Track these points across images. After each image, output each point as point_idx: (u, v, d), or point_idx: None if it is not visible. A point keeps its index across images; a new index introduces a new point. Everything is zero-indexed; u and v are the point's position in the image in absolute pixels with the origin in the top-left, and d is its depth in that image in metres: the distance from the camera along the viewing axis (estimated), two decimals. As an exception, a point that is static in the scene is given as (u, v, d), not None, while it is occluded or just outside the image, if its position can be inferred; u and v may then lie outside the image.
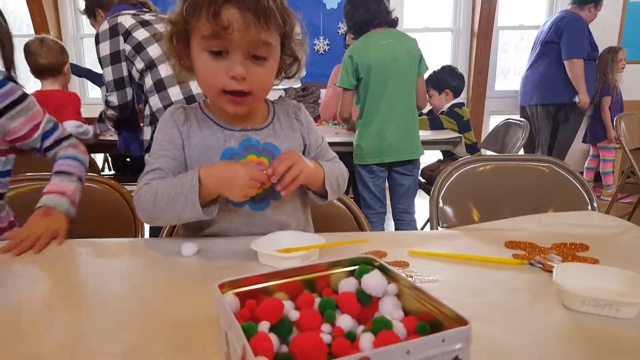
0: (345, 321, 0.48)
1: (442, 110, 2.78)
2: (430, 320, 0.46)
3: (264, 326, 0.45)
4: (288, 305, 0.49)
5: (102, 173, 3.31)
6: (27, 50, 2.20)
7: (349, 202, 1.19)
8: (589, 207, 1.27)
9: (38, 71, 2.19)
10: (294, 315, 0.47)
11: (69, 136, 1.11)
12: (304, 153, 0.99)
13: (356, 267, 0.55)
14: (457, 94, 2.81)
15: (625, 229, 0.88)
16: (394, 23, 2.21)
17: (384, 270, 0.53)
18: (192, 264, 0.77)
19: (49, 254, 0.84)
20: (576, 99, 3.34)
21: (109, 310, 0.61)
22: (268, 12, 0.77)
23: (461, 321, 0.42)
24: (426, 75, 2.32)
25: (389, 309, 0.48)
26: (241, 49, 0.79)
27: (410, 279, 0.68)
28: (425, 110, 2.84)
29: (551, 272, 0.68)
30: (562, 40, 3.30)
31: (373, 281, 0.50)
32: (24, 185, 1.25)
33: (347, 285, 0.52)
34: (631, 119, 2.85)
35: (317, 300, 0.51)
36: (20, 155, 1.11)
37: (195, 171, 0.81)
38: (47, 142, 1.07)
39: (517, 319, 0.57)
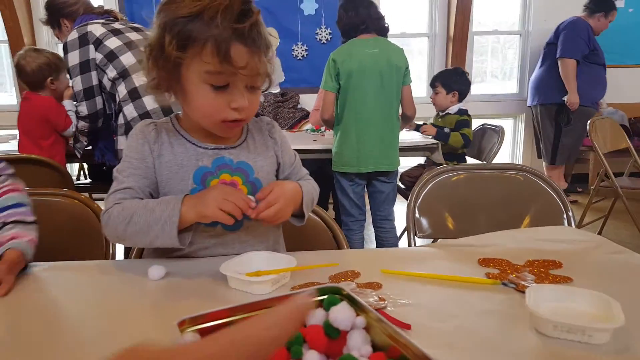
0: (312, 358, 0.46)
1: (447, 111, 2.75)
2: (398, 356, 0.44)
3: (225, 368, 0.43)
4: (252, 342, 0.47)
5: (77, 182, 3.23)
6: (20, 57, 2.20)
7: (324, 215, 1.18)
8: (564, 216, 1.28)
9: (23, 81, 2.21)
10: (258, 354, 0.45)
11: (12, 174, 1.02)
12: (277, 171, 0.97)
13: (325, 296, 0.53)
14: (462, 98, 2.82)
15: (597, 244, 0.88)
16: (383, 30, 2.19)
17: (352, 300, 0.52)
18: (160, 288, 0.74)
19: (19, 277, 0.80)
20: (565, 99, 3.42)
21: (70, 335, 0.59)
22: (268, 47, 0.80)
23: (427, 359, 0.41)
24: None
25: (357, 344, 0.47)
26: (243, 82, 0.80)
27: (383, 302, 0.66)
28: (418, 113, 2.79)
29: (524, 292, 0.67)
30: (558, 41, 3.45)
31: (341, 314, 0.48)
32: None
33: (315, 317, 0.50)
34: (603, 122, 2.90)
35: (284, 334, 0.49)
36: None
37: (178, 201, 0.79)
38: None
39: (490, 346, 0.56)
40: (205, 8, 0.75)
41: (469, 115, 2.76)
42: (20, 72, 2.16)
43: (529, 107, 3.88)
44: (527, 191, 1.36)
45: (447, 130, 2.67)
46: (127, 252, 1.22)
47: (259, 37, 0.78)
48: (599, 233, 3.11)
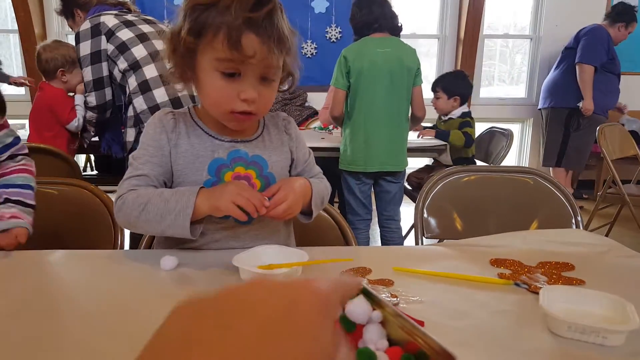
0: (327, 350, 0.46)
1: (450, 116, 2.74)
2: (416, 351, 0.44)
3: None
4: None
5: (84, 173, 3.24)
6: (41, 47, 2.26)
7: (333, 212, 1.18)
8: (573, 220, 1.28)
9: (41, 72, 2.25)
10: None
11: (26, 155, 1.06)
12: (290, 167, 0.97)
13: (340, 290, 0.53)
14: (463, 102, 2.79)
15: (609, 248, 0.88)
16: (396, 30, 2.18)
17: (368, 295, 0.51)
18: (172, 278, 0.75)
19: (25, 265, 0.81)
20: (580, 104, 3.42)
21: (83, 325, 0.59)
22: (284, 40, 0.79)
23: (447, 356, 0.41)
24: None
25: (373, 338, 0.47)
26: (255, 72, 0.79)
27: (395, 299, 0.66)
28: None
29: (537, 293, 0.67)
30: (578, 46, 3.43)
31: (357, 308, 0.48)
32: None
33: (330, 310, 0.50)
34: (612, 129, 2.89)
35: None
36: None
37: (193, 193, 0.79)
38: (4, 156, 1.01)
39: (503, 344, 0.55)
40: None
41: (471, 118, 2.74)
42: (38, 59, 2.20)
43: (539, 109, 3.86)
44: (536, 195, 1.36)
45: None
46: (134, 243, 1.23)
47: (272, 28, 0.77)
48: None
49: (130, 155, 0.89)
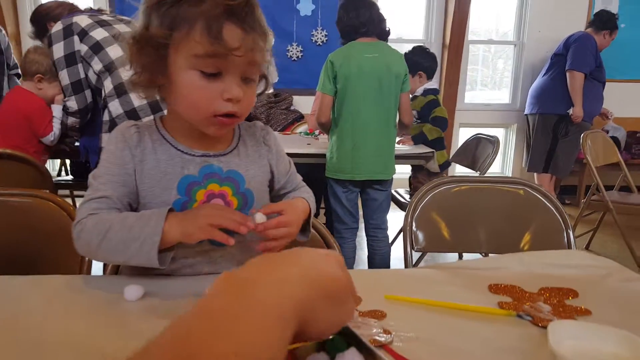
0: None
1: (415, 94, 2.71)
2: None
3: None
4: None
5: (58, 178, 3.11)
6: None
7: (318, 226, 1.11)
8: (564, 234, 1.24)
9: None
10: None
11: None
12: (272, 180, 0.90)
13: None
14: (430, 76, 2.77)
15: (610, 270, 0.83)
16: (384, 34, 2.12)
17: (359, 343, 0.45)
18: (135, 310, 0.66)
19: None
20: (570, 111, 3.43)
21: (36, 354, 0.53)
22: (266, 33, 0.73)
23: None
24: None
25: (368, 398, 0.40)
26: (237, 70, 0.71)
27: (389, 336, 0.60)
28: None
29: (541, 326, 0.62)
30: (568, 53, 3.44)
31: (349, 362, 0.42)
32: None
33: (317, 363, 0.43)
34: (596, 136, 2.89)
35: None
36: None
37: (161, 217, 0.70)
38: None
39: (510, 391, 0.50)
40: None
41: (435, 95, 2.72)
42: (24, 57, 2.16)
43: (526, 115, 3.86)
44: (527, 206, 1.32)
45: (417, 122, 2.66)
46: (104, 267, 1.14)
47: (253, 18, 0.70)
48: (587, 245, 3.11)
49: (90, 175, 0.79)
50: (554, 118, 3.56)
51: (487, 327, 0.63)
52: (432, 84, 2.80)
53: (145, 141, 0.79)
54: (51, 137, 2.06)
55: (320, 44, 4.15)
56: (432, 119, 2.63)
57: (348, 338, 0.46)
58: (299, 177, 0.96)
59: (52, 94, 2.13)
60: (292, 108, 4.08)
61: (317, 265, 0.42)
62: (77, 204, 1.13)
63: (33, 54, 2.12)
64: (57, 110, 2.08)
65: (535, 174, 3.74)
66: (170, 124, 0.82)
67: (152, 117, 1.66)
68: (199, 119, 0.75)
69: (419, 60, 2.72)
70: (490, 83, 4.93)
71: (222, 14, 0.68)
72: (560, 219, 1.26)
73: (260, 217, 0.73)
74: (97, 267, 1.21)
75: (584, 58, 3.39)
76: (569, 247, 1.15)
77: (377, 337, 0.58)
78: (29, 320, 0.65)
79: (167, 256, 0.73)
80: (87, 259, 1.03)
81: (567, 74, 3.43)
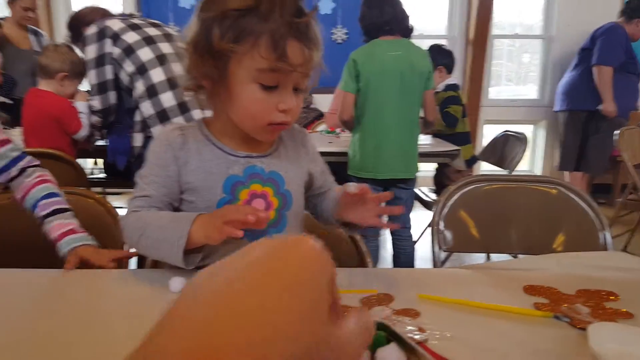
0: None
1: (437, 90, 2.69)
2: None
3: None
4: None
5: (91, 176, 3.20)
6: (42, 50, 2.19)
7: (347, 226, 1.12)
8: (600, 235, 1.21)
9: (38, 69, 2.14)
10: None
11: (37, 165, 1.03)
12: (310, 182, 0.92)
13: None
14: (449, 71, 2.78)
15: (652, 272, 0.81)
16: (408, 31, 2.10)
17: (398, 339, 0.45)
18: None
19: (27, 286, 0.76)
20: (600, 107, 3.32)
21: (83, 348, 0.57)
22: (320, 46, 0.76)
23: None
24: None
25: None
26: (292, 82, 0.74)
27: (423, 334, 0.60)
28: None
29: (579, 328, 0.61)
30: (594, 47, 3.32)
31: (390, 357, 0.42)
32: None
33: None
34: (632, 133, 2.79)
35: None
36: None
37: (189, 221, 0.73)
38: (13, 172, 0.98)
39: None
40: (261, 1, 0.70)
41: (456, 91, 2.69)
42: (45, 54, 2.13)
43: (556, 112, 3.78)
44: (560, 206, 1.29)
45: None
46: (141, 259, 1.18)
47: (313, 35, 0.74)
48: (625, 247, 3.00)
49: (137, 173, 0.84)
50: (583, 114, 3.46)
51: (523, 328, 0.62)
52: (453, 79, 2.79)
53: (190, 143, 0.82)
54: (83, 131, 2.09)
55: (341, 42, 4.13)
56: (443, 112, 2.62)
57: (388, 334, 0.46)
58: (331, 179, 0.98)
59: (71, 91, 2.16)
60: (312, 106, 4.08)
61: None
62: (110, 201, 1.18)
63: (54, 52, 2.12)
64: (81, 106, 2.11)
65: (566, 172, 3.65)
66: (214, 126, 0.84)
67: (181, 117, 1.70)
68: (253, 128, 0.78)
69: (436, 57, 2.69)
70: (516, 78, 4.83)
71: (288, 32, 0.70)
72: (596, 219, 1.23)
73: (353, 187, 0.77)
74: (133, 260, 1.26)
75: (612, 51, 3.28)
76: (605, 248, 1.12)
77: (413, 335, 0.59)
78: (81, 311, 0.68)
79: (195, 257, 0.75)
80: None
81: (594, 69, 3.31)
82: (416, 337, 0.59)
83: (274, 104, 0.74)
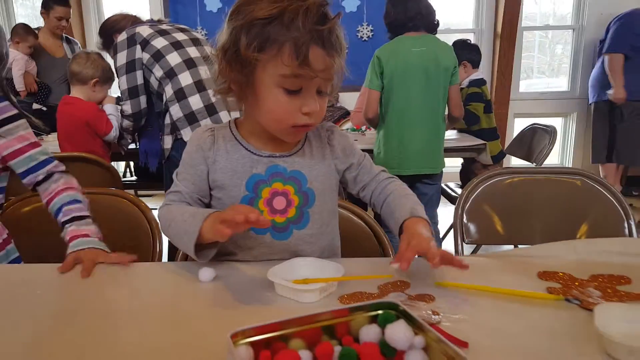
0: (367, 378, 0.44)
1: (461, 86, 2.69)
2: (461, 382, 0.42)
3: (279, 384, 0.41)
4: (305, 356, 0.45)
5: (123, 179, 3.33)
6: (73, 57, 2.26)
7: (369, 220, 1.15)
8: (625, 224, 1.20)
9: (69, 76, 2.24)
10: (312, 370, 0.43)
11: (64, 171, 1.06)
12: (346, 177, 0.95)
13: (379, 311, 0.51)
14: (475, 65, 2.76)
15: (669, 258, 0.81)
16: (433, 27, 2.11)
17: (408, 317, 0.49)
18: (209, 291, 0.75)
19: (61, 275, 0.83)
20: (609, 93, 3.32)
21: (121, 335, 0.62)
22: (344, 50, 0.79)
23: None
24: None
25: (416, 365, 0.44)
26: (315, 86, 0.78)
27: (437, 316, 0.63)
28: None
29: (590, 310, 0.63)
30: (607, 36, 3.38)
31: (398, 333, 0.46)
32: (20, 204, 1.22)
33: (369, 334, 0.48)
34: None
35: (337, 349, 0.47)
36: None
37: (203, 217, 0.77)
38: (40, 175, 1.02)
39: (556, 369, 0.52)
40: (285, 10, 0.73)
41: (479, 87, 2.67)
42: (77, 62, 2.20)
43: (589, 104, 3.77)
44: (584, 197, 1.29)
45: None
46: (172, 254, 1.25)
47: (336, 41, 0.77)
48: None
49: (176, 170, 0.91)
50: (607, 104, 3.45)
51: (535, 311, 0.65)
52: (479, 74, 2.78)
53: (219, 143, 0.88)
54: (114, 132, 2.17)
55: (366, 39, 4.15)
56: (464, 109, 2.61)
57: (398, 313, 0.50)
58: (379, 168, 0.98)
59: (102, 97, 2.27)
60: (338, 105, 4.11)
61: None
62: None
63: (86, 60, 2.21)
64: (110, 108, 2.21)
65: (600, 165, 3.59)
66: (243, 127, 0.90)
67: (208, 119, 1.77)
68: (279, 130, 0.83)
69: (460, 52, 2.68)
70: (548, 70, 4.73)
71: (310, 39, 0.73)
72: (621, 209, 1.23)
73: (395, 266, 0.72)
74: (165, 254, 1.33)
75: (620, 37, 3.30)
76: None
77: (425, 317, 0.62)
78: (116, 301, 0.74)
79: (209, 252, 0.80)
80: (157, 248, 1.14)
81: (605, 58, 3.34)
82: (430, 319, 0.62)
83: (298, 107, 0.78)
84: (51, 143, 2.48)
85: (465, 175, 2.79)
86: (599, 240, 0.91)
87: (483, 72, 4.10)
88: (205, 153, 0.87)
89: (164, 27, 1.89)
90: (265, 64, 0.76)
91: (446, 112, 2.19)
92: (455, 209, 1.32)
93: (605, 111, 3.48)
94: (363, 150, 2.31)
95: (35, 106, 3.26)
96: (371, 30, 4.13)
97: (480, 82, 2.73)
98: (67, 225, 0.97)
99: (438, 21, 2.14)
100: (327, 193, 0.91)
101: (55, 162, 1.06)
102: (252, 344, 0.46)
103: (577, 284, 0.72)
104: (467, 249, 1.30)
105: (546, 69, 4.73)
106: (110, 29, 2.12)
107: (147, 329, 0.64)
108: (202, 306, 0.70)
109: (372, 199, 0.95)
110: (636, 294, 0.67)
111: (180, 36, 1.88)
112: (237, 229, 0.71)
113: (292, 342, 0.47)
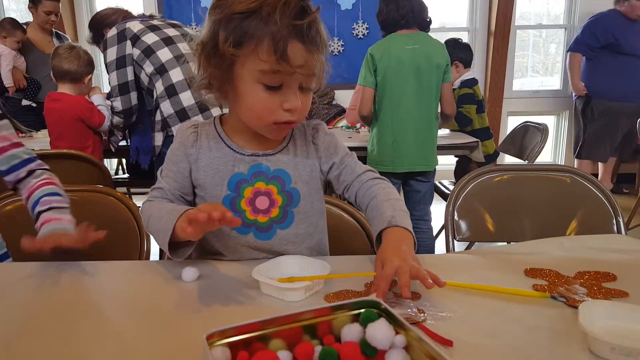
0: (347, 377, 0.43)
1: (453, 86, 2.70)
2: (442, 381, 0.41)
3: (256, 386, 0.41)
4: (284, 357, 0.44)
5: (115, 177, 3.31)
6: (55, 52, 2.19)
7: (360, 217, 1.14)
8: (614, 221, 1.21)
9: (59, 74, 2.16)
10: (290, 370, 0.43)
11: (46, 169, 1.05)
12: (330, 176, 0.91)
13: (361, 310, 0.50)
14: (467, 65, 2.76)
15: (655, 255, 0.82)
16: (425, 24, 2.11)
17: (390, 316, 0.48)
18: (192, 290, 0.73)
19: (44, 273, 0.82)
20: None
21: (98, 334, 0.60)
22: (325, 46, 0.77)
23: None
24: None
25: (396, 365, 0.44)
26: (297, 82, 0.76)
27: (422, 314, 0.63)
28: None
29: (576, 307, 0.63)
30: None
31: (379, 332, 0.45)
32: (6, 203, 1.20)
33: (351, 333, 0.47)
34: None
35: (318, 349, 0.46)
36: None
37: (178, 214, 0.75)
38: (22, 173, 1.01)
39: (539, 367, 0.51)
40: (263, 4, 0.72)
41: (471, 88, 2.67)
42: (61, 63, 2.14)
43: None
44: (574, 194, 1.29)
45: None
46: (163, 252, 1.24)
47: (317, 36, 0.75)
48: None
49: (159, 169, 0.90)
50: (580, 102, 3.55)
51: (521, 308, 0.64)
52: (470, 74, 2.77)
53: (202, 140, 0.87)
54: (107, 122, 2.13)
55: (362, 37, 4.14)
56: (457, 111, 2.61)
57: (380, 312, 0.49)
58: (364, 167, 0.92)
59: (87, 91, 2.24)
60: (334, 103, 4.11)
61: None
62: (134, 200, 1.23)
63: (76, 57, 2.13)
64: (97, 99, 2.17)
65: (576, 160, 3.65)
66: (228, 124, 0.89)
67: (199, 115, 1.76)
68: (260, 126, 0.81)
69: (452, 51, 2.67)
70: (542, 69, 4.74)
71: (288, 34, 0.72)
72: (610, 207, 1.23)
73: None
74: (154, 256, 1.31)
75: (580, 38, 3.46)
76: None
77: (411, 315, 0.62)
78: (96, 300, 0.73)
79: (185, 250, 0.79)
80: (145, 247, 1.13)
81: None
82: (414, 317, 0.62)
83: (279, 104, 0.76)
84: (41, 140, 2.46)
85: (461, 174, 2.79)
86: (585, 237, 0.91)
87: (477, 70, 4.11)
88: (188, 150, 0.86)
89: (155, 22, 1.88)
90: (243, 60, 0.75)
91: (439, 110, 2.19)
92: (447, 206, 1.32)
93: (579, 109, 3.58)
94: (357, 148, 2.34)
95: (25, 102, 3.22)
96: (367, 28, 4.12)
97: (472, 82, 2.72)
98: (43, 214, 0.94)
99: (430, 19, 2.14)
100: (313, 193, 0.90)
101: (38, 160, 1.05)
102: (230, 344, 0.45)
103: (563, 281, 0.72)
104: (458, 246, 1.30)
105: (540, 67, 4.74)
106: (101, 23, 2.09)
107: (124, 328, 0.63)
108: (184, 305, 0.69)
109: (356, 200, 0.90)
110: (621, 290, 0.67)
111: (171, 32, 1.86)
112: (205, 227, 0.69)
113: (272, 342, 0.47)
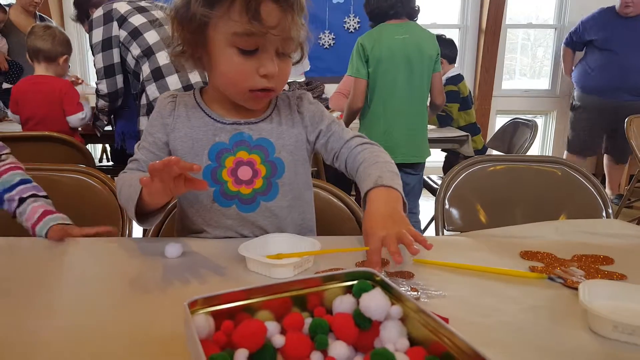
0: (339, 349, 0.40)
1: None
2: (441, 353, 0.38)
3: (241, 355, 0.38)
4: (272, 328, 0.41)
5: (100, 164, 3.23)
6: (31, 31, 2.11)
7: (349, 202, 1.12)
8: (604, 213, 1.20)
9: (33, 53, 2.09)
10: (278, 340, 0.40)
11: (9, 153, 1.01)
12: (316, 145, 0.88)
13: (354, 282, 0.47)
14: (451, 61, 2.75)
15: (650, 240, 0.80)
16: (413, 13, 2.09)
17: (386, 288, 0.46)
18: (175, 267, 0.70)
19: (31, 251, 0.78)
20: None
21: (77, 311, 0.57)
22: (302, 8, 0.74)
23: (478, 358, 0.35)
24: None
25: (392, 336, 0.41)
26: (274, 46, 0.73)
27: (415, 293, 0.60)
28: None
29: (573, 288, 0.61)
30: None
31: (373, 303, 0.42)
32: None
33: (343, 304, 0.44)
34: (640, 122, 2.75)
35: (308, 321, 0.43)
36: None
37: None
38: None
39: (538, 344, 0.49)
40: None
41: (456, 85, 2.67)
42: (35, 42, 2.08)
43: None
44: (565, 186, 1.28)
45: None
46: (144, 231, 1.20)
47: (296, 0, 0.72)
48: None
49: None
50: (570, 97, 3.62)
51: (517, 288, 0.62)
52: (455, 70, 2.76)
53: (180, 110, 0.83)
54: (81, 115, 2.07)
55: (353, 31, 4.12)
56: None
57: (375, 283, 0.46)
58: (351, 133, 0.88)
59: (66, 71, 2.17)
60: (323, 96, 4.08)
61: None
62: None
63: (51, 36, 2.06)
64: (73, 120, 2.10)
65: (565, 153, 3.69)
66: (208, 94, 0.85)
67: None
68: (236, 94, 0.78)
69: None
70: (530, 72, 4.77)
71: None
72: (600, 199, 1.22)
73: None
74: (137, 232, 1.27)
75: (571, 32, 3.53)
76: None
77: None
78: (78, 276, 0.69)
79: (154, 218, 0.77)
80: (127, 228, 1.09)
81: None
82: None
83: (254, 69, 0.73)
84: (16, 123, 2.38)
85: (449, 169, 2.79)
86: (580, 222, 0.89)
87: (467, 68, 4.10)
88: (165, 120, 0.83)
89: (142, 3, 1.82)
90: (216, 22, 0.72)
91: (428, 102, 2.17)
92: (437, 195, 1.30)
93: (570, 103, 3.62)
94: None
95: (5, 86, 3.12)
96: (358, 22, 4.09)
97: (458, 79, 2.70)
98: (30, 200, 0.91)
99: (419, 7, 2.12)
100: (298, 164, 0.86)
101: (0, 143, 1.00)
102: (213, 314, 0.42)
103: (560, 263, 0.70)
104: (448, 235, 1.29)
105: (527, 70, 4.77)
106: (87, 2, 2.03)
107: (102, 301, 0.60)
108: (165, 280, 0.65)
109: (347, 169, 0.85)
110: (619, 273, 0.65)
111: (159, 14, 1.81)
112: (167, 180, 0.64)
113: (258, 313, 0.44)
